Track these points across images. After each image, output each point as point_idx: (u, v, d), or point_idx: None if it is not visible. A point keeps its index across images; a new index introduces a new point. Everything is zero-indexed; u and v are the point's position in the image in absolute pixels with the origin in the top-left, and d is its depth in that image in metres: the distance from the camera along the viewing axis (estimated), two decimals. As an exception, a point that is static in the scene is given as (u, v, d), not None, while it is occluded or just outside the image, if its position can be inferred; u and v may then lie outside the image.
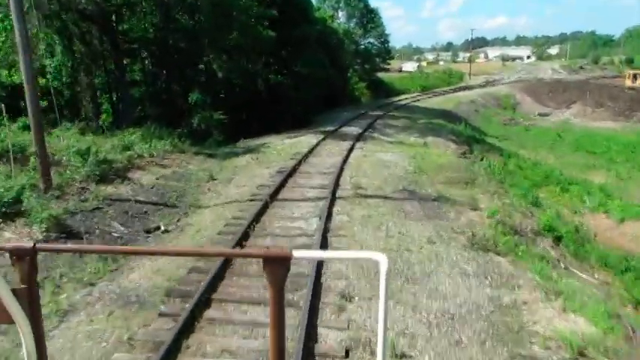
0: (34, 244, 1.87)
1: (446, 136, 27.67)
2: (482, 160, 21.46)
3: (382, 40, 63.18)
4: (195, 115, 25.99)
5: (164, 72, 30.64)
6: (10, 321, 1.79)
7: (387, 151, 19.41)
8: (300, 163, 16.08)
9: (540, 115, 58.71)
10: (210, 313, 6.59)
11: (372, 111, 37.15)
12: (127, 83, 27.63)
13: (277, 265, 1.78)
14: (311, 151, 18.69)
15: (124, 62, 28.25)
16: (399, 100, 48.31)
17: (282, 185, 13.11)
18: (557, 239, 12.59)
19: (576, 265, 11.27)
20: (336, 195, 12.23)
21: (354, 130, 25.95)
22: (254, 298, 6.93)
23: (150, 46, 29.97)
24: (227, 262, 7.84)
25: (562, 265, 10.53)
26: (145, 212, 11.62)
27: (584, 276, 10.53)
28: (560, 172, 25.75)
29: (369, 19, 61.96)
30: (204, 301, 6.77)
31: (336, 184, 13.18)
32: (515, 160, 27.63)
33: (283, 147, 20.26)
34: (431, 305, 6.97)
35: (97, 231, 9.96)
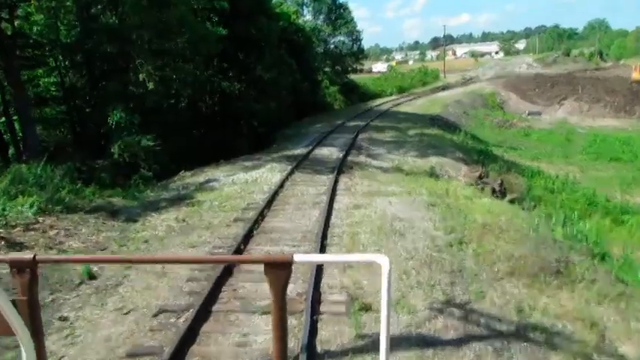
0: (34, 256, 1.86)
1: (451, 153, 21.33)
2: (534, 207, 15.10)
3: (354, 37, 56.77)
4: (116, 141, 19.07)
5: (86, 85, 23.70)
6: (11, 332, 1.78)
7: (389, 193, 12.86)
8: (250, 234, 9.33)
9: (531, 114, 53.26)
10: None
11: (349, 121, 30.60)
12: (27, 101, 20.44)
13: (278, 270, 1.77)
14: (271, 200, 12.01)
15: (23, 73, 21.10)
16: (378, 105, 41.98)
17: (205, 309, 6.35)
18: None
19: None
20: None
21: (332, 152, 19.37)
22: None
23: (65, 51, 23.00)
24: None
25: None
26: None
27: None
28: (606, 198, 19.56)
29: (338, 14, 55.50)
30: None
31: (315, 308, 6.37)
32: (541, 179, 21.42)
33: (231, 191, 13.54)
34: None
35: None
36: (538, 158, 27.88)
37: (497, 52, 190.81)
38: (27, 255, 1.89)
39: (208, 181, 15.36)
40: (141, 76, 21.28)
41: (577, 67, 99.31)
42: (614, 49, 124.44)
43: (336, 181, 13.80)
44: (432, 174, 17.01)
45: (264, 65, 30.02)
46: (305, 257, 2.09)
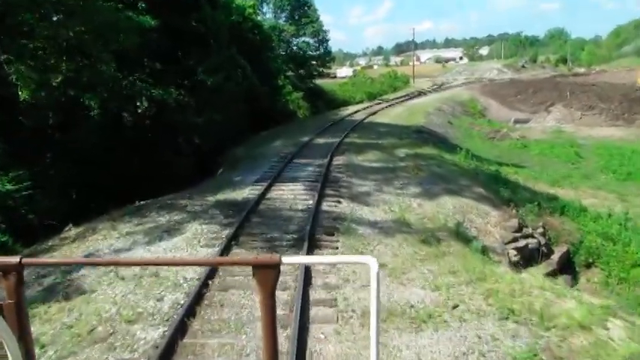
0: (21, 259, 1.81)
1: (464, 186, 15.02)
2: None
3: (320, 38, 50.17)
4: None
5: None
6: None
7: (407, 315, 6.39)
8: None
9: (517, 122, 47.83)
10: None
11: (318, 136, 24.04)
12: None
13: (267, 272, 1.75)
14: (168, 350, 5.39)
15: None
16: (350, 115, 35.51)
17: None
18: None
19: None
20: None
21: (296, 195, 12.76)
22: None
23: None
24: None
25: None
26: None
27: None
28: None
29: (302, 13, 48.93)
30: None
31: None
32: (588, 219, 15.31)
33: (101, 309, 6.87)
34: None
35: None
36: (558, 183, 21.98)
37: (461, 58, 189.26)
38: (13, 258, 1.78)
39: (88, 255, 8.64)
40: (18, 80, 14.26)
41: (547, 72, 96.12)
42: (585, 55, 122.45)
43: (306, 279, 7.26)
44: (458, 234, 10.60)
45: (208, 67, 23.23)
46: (293, 259, 2.12)
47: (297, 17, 49.25)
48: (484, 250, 10.34)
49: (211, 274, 7.55)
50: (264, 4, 48.72)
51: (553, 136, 39.17)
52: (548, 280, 8.74)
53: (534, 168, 26.11)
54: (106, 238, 10.13)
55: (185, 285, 7.39)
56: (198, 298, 6.83)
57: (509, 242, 12.00)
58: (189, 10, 22.57)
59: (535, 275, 8.90)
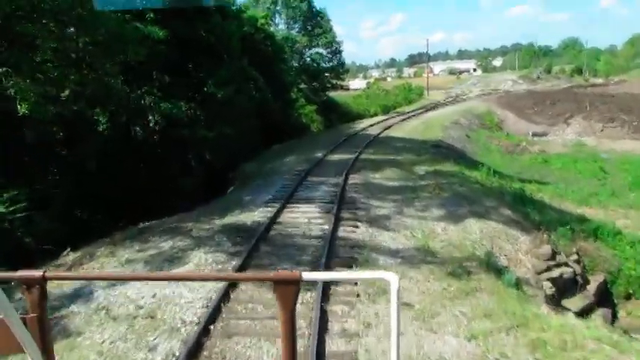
0: (44, 272, 1.82)
1: (490, 208, 14.01)
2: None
3: (333, 49, 49.38)
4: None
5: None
6: (21, 350, 1.76)
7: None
8: None
9: (535, 135, 46.66)
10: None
11: (332, 151, 23.12)
12: None
13: (287, 288, 1.75)
14: None
15: None
16: (365, 129, 34.58)
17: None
18: None
19: None
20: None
21: (311, 218, 11.83)
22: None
23: None
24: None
25: None
26: None
27: None
28: None
29: (315, 23, 48.22)
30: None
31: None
32: (625, 244, 14.20)
33: None
34: None
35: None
36: (586, 201, 20.85)
37: (474, 70, 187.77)
38: (37, 272, 1.80)
39: (74, 295, 7.77)
40: (16, 93, 13.51)
41: (563, 83, 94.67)
42: (602, 65, 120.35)
43: (322, 315, 6.34)
44: (489, 265, 9.59)
45: (219, 79, 22.46)
46: (314, 275, 1.94)
47: (310, 28, 48.55)
48: (518, 284, 9.33)
49: (214, 316, 6.63)
50: (277, 15, 48.17)
51: (574, 149, 37.97)
52: (604, 329, 7.70)
53: (558, 185, 24.93)
54: (103, 267, 9.30)
55: (183, 330, 6.48)
56: (196, 348, 5.91)
57: (542, 272, 10.97)
58: (199, 19, 21.84)
59: (587, 322, 7.86)
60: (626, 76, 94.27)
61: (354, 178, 16.69)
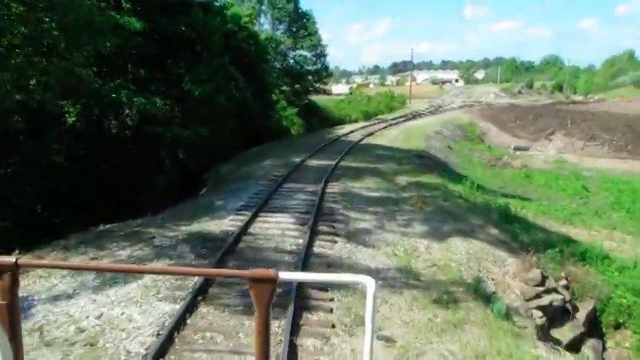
0: (17, 259, 1.80)
1: (476, 226, 13.25)
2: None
3: (318, 52, 48.50)
4: None
5: None
6: None
7: None
8: None
9: (517, 149, 46.49)
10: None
11: (312, 157, 22.22)
12: None
13: (263, 286, 1.76)
14: None
15: None
16: (346, 135, 33.73)
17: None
18: None
19: None
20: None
21: (284, 229, 10.89)
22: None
23: None
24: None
25: None
26: None
27: None
28: None
29: (301, 25, 47.33)
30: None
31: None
32: (613, 268, 13.56)
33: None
34: None
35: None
36: (570, 220, 20.29)
37: (457, 80, 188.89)
38: (9, 258, 1.78)
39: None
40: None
41: (544, 99, 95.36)
42: (582, 83, 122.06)
43: (292, 349, 5.44)
44: (477, 291, 8.79)
45: (197, 76, 21.42)
46: (290, 275, 2.02)
47: (295, 29, 47.65)
48: (508, 314, 8.52)
49: (164, 347, 5.67)
50: (262, 15, 47.24)
51: (556, 166, 37.72)
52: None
53: (541, 201, 24.41)
54: (50, 277, 8.20)
55: (126, 364, 5.51)
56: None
57: (531, 299, 10.19)
58: (179, 13, 20.82)
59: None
60: (604, 95, 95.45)
61: (333, 187, 15.81)
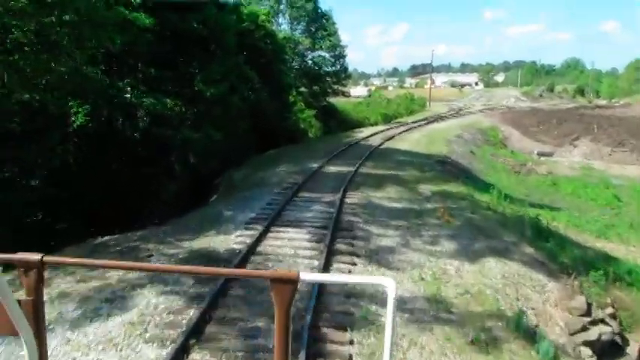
0: (42, 257, 1.80)
1: (512, 246, 11.98)
2: None
3: (337, 53, 47.31)
4: None
5: None
6: (15, 333, 1.74)
7: None
8: None
9: (541, 154, 44.92)
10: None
11: (330, 162, 21.07)
12: None
13: (284, 287, 1.72)
14: None
15: None
16: (365, 139, 32.50)
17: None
18: None
19: None
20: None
21: (298, 247, 9.74)
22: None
23: None
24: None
25: None
26: None
27: None
28: None
29: (320, 25, 46.22)
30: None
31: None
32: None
33: None
34: None
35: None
36: (605, 234, 18.93)
37: (476, 84, 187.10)
38: (34, 255, 1.78)
39: None
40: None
41: (566, 103, 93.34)
42: (605, 87, 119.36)
43: None
44: (519, 327, 7.58)
45: (209, 76, 20.40)
46: (311, 276, 1.84)
47: (313, 30, 46.51)
48: (555, 356, 7.30)
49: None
50: (280, 15, 46.19)
51: (582, 173, 36.10)
52: None
53: (572, 213, 22.98)
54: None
55: None
56: None
57: (577, 332, 8.94)
58: (190, 9, 19.82)
59: None
60: (631, 100, 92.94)
61: (353, 197, 14.64)
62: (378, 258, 9.64)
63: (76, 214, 17.07)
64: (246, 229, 10.89)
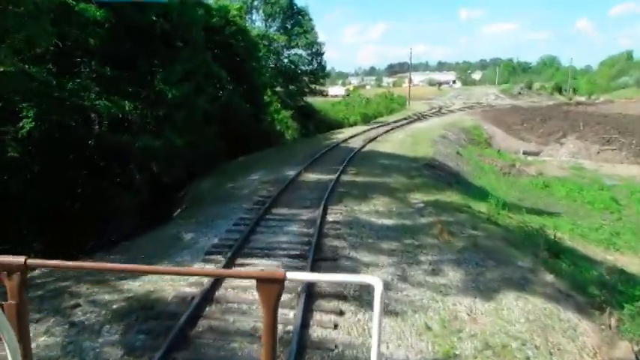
0: (25, 260, 1.81)
1: (529, 273, 9.99)
2: None
3: (314, 51, 45.21)
4: None
5: None
6: None
7: None
8: None
9: (527, 153, 43.43)
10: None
11: (308, 169, 18.97)
12: None
13: (271, 286, 1.75)
14: None
15: None
16: (346, 140, 30.40)
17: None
18: None
19: None
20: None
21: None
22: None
23: None
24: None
25: None
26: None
27: None
28: None
29: (296, 22, 44.07)
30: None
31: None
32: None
33: None
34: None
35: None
36: (614, 244, 17.22)
37: (454, 82, 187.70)
38: (18, 258, 1.80)
39: None
40: None
41: (546, 100, 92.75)
42: (584, 84, 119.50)
43: None
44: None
45: (171, 76, 18.17)
46: (298, 275, 1.92)
47: (289, 27, 44.42)
48: None
49: None
50: (254, 11, 44.02)
51: (573, 173, 34.55)
52: None
53: (570, 217, 21.26)
54: None
55: None
56: None
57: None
58: (149, 1, 17.60)
59: None
60: (610, 96, 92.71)
61: (335, 212, 12.58)
62: (371, 300, 7.57)
63: (23, 234, 14.88)
64: (206, 260, 8.76)
